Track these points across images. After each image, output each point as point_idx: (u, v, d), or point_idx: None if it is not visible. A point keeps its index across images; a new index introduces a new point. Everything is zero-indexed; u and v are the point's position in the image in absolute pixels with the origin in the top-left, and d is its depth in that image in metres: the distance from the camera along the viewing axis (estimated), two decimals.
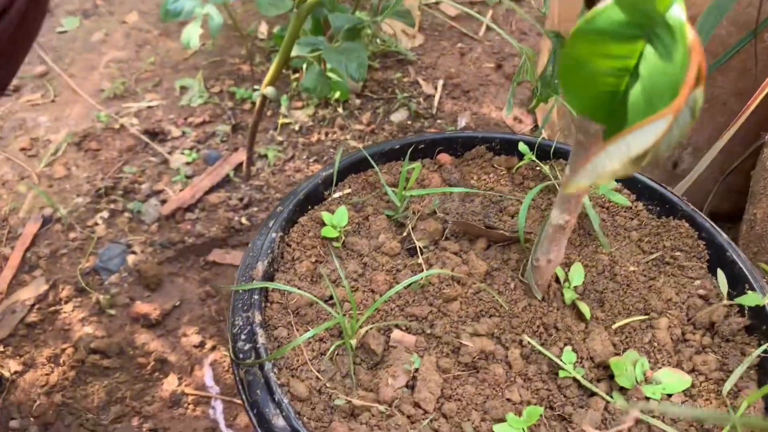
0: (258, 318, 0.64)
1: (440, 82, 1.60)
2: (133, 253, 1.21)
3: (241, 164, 1.35)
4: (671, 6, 0.37)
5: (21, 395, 1.02)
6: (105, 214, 1.28)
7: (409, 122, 1.49)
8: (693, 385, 0.67)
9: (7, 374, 1.04)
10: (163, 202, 1.30)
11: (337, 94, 1.48)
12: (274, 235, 0.72)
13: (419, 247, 0.76)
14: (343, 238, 0.77)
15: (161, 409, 1.03)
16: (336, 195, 0.81)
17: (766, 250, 0.93)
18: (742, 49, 1.05)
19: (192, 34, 1.34)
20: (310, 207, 0.79)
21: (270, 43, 1.66)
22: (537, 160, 0.85)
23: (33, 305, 1.13)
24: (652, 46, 0.39)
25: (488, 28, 1.80)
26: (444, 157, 0.88)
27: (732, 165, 1.19)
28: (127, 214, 1.28)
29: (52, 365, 1.05)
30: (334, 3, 1.01)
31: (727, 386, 0.66)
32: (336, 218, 0.75)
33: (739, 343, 0.71)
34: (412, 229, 0.78)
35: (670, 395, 0.66)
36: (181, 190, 1.32)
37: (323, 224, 0.77)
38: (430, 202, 0.82)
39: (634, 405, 0.65)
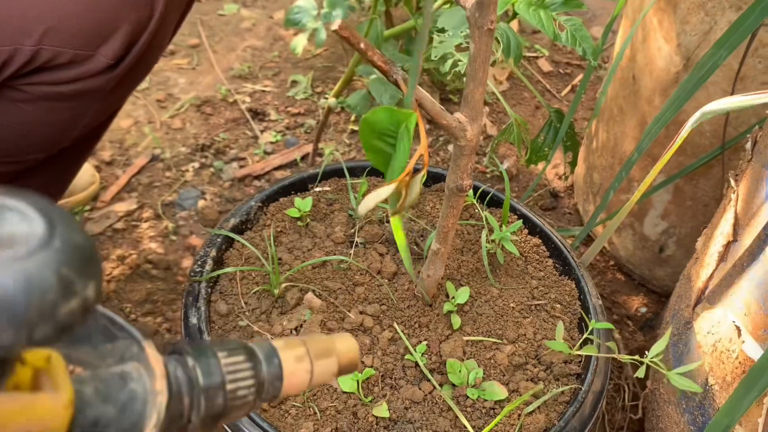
0: (213, 254, 0.92)
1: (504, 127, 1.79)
2: (204, 199, 1.55)
3: (308, 154, 1.65)
4: (410, 119, 0.60)
5: None
6: (196, 164, 1.63)
7: None
8: (507, 399, 0.86)
9: None
10: (241, 167, 1.63)
11: None
12: (252, 203, 1.00)
13: (356, 242, 1.00)
14: (309, 221, 1.03)
15: (180, 318, 1.34)
16: (317, 189, 1.07)
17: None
18: (725, 160, 1.17)
19: (299, 43, 1.65)
20: (293, 192, 1.06)
21: None
22: (477, 203, 1.05)
23: (122, 217, 1.50)
24: (400, 140, 0.62)
25: (572, 90, 1.96)
26: None
27: None
28: (211, 169, 1.62)
29: (118, 262, 1.41)
30: (380, 46, 1.26)
31: (529, 408, 0.84)
32: (303, 204, 1.01)
33: (564, 384, 0.88)
34: (359, 229, 1.02)
35: (485, 399, 0.85)
36: (257, 162, 1.64)
37: None
38: (386, 212, 1.05)
39: (452, 396, 0.85)
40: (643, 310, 1.42)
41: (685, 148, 1.20)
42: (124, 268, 1.39)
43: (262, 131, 1.73)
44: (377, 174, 1.09)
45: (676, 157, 1.24)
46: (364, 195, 1.04)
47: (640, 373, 0.84)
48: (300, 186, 1.07)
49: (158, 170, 1.61)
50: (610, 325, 0.86)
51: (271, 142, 1.70)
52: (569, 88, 1.96)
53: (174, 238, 1.47)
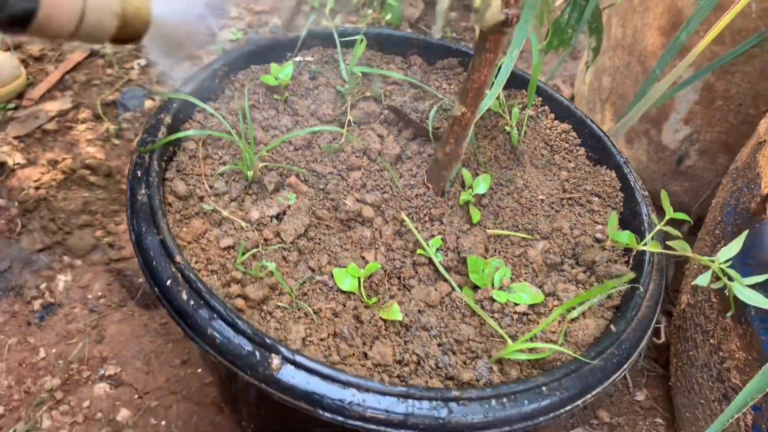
0: (168, 120, 0.71)
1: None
2: (152, 99, 1.32)
3: None
4: None
5: (15, 182, 1.15)
6: (142, 62, 1.39)
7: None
8: (543, 304, 0.69)
9: (10, 163, 1.17)
10: (195, 65, 1.40)
11: (389, 16, 1.52)
12: (216, 67, 0.79)
13: (349, 120, 0.81)
14: (287, 95, 0.83)
15: (125, 231, 1.13)
16: (297, 59, 0.87)
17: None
18: None
19: None
20: (267, 61, 0.85)
21: None
22: None
23: (54, 117, 1.26)
24: None
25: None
26: (416, 59, 0.92)
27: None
28: (160, 68, 1.39)
29: (49, 168, 1.17)
30: None
31: (574, 314, 0.67)
32: (281, 72, 0.81)
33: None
34: (352, 106, 0.83)
35: (516, 304, 0.68)
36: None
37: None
38: (390, 92, 0.86)
39: (475, 299, 0.68)
40: None
41: (723, 35, 1.04)
42: (56, 174, 1.16)
43: (220, 28, 1.50)
44: (373, 46, 0.90)
45: (709, 46, 1.07)
46: (358, 61, 0.84)
47: (704, 280, 0.68)
48: (274, 54, 0.86)
49: (97, 67, 1.37)
50: (686, 216, 0.69)
51: (231, 40, 1.48)
52: None
53: (116, 141, 1.24)
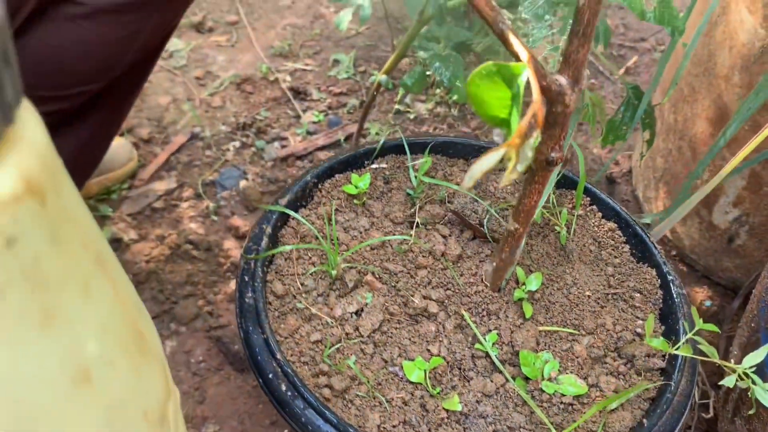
0: (268, 230, 0.86)
1: None
2: (246, 179, 1.49)
3: (352, 134, 1.58)
4: (523, 71, 0.53)
5: (129, 256, 1.33)
6: (237, 143, 1.57)
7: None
8: (587, 395, 0.79)
9: (125, 239, 1.35)
10: (283, 147, 1.57)
11: (455, 97, 1.65)
12: (308, 178, 0.94)
13: (417, 222, 0.93)
14: (365, 200, 0.97)
15: (222, 301, 1.29)
16: (373, 166, 1.01)
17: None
18: None
19: (344, 19, 1.58)
20: (348, 169, 0.99)
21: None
22: None
23: (161, 196, 1.45)
24: (512, 94, 0.55)
25: (627, 72, 1.87)
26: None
27: None
28: (253, 149, 1.56)
29: (158, 242, 1.35)
30: (443, 18, 1.19)
31: (613, 405, 0.77)
32: (361, 181, 0.95)
33: (648, 379, 0.81)
34: (420, 208, 0.96)
35: (563, 395, 0.79)
36: (299, 142, 1.58)
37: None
38: (452, 194, 0.99)
39: (526, 389, 0.78)
40: (708, 303, 1.34)
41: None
42: (164, 248, 1.34)
43: (304, 111, 1.67)
44: (439, 152, 1.03)
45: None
46: (426, 173, 0.98)
47: (729, 381, 0.77)
48: (355, 162, 1.00)
49: (198, 149, 1.56)
50: (715, 328, 0.78)
51: (314, 122, 1.64)
52: (623, 70, 1.87)
53: (215, 218, 1.41)
